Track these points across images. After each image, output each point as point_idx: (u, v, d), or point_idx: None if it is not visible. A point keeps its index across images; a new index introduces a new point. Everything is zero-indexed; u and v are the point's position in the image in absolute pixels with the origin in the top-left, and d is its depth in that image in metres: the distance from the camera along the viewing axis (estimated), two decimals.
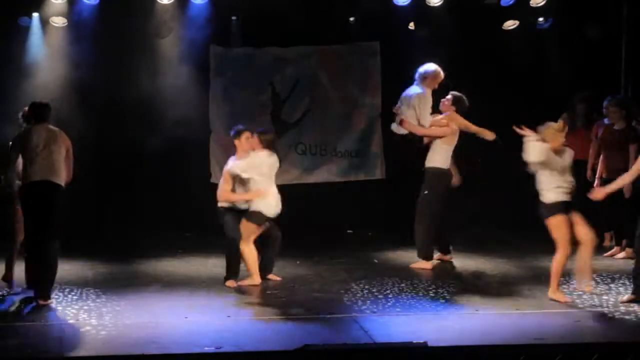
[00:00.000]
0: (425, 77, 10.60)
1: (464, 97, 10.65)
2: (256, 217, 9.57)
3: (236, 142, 9.81)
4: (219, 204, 9.80)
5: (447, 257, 10.85)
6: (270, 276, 9.85)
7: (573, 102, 12.24)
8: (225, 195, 9.74)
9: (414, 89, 10.61)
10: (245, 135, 9.77)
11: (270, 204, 9.61)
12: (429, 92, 10.63)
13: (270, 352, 7.22)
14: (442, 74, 10.66)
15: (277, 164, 9.76)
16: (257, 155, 9.61)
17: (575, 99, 12.22)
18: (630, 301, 8.77)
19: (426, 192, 10.53)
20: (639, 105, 11.54)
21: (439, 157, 10.56)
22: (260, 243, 9.75)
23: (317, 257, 11.13)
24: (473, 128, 10.58)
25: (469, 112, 10.71)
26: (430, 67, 10.63)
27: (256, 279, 9.57)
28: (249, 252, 9.55)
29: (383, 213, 12.87)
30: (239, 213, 9.68)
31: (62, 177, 8.89)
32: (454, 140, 10.61)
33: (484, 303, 8.85)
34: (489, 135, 10.54)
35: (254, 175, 9.57)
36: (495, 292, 9.30)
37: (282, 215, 12.66)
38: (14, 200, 9.08)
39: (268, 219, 9.64)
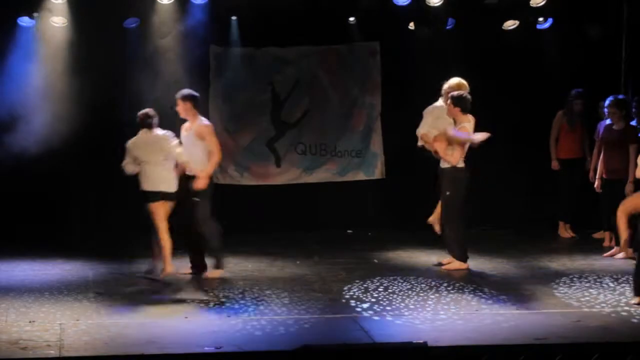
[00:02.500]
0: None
1: (464, 95, 10.32)
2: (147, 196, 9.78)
3: None
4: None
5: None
6: (208, 274, 10.00)
7: (568, 100, 12.25)
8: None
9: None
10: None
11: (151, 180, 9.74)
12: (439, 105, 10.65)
13: (270, 352, 7.22)
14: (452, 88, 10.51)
15: (159, 143, 9.84)
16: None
17: (571, 96, 12.22)
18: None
19: (448, 193, 10.35)
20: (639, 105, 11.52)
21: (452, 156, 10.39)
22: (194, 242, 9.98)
23: (317, 257, 11.13)
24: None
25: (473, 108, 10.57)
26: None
27: (168, 268, 9.74)
28: (165, 239, 9.80)
29: (383, 213, 12.86)
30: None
31: None
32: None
33: (484, 303, 8.86)
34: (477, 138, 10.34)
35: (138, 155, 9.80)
36: (495, 292, 9.30)
37: (280, 214, 12.74)
38: None
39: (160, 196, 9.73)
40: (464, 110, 10.21)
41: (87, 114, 12.04)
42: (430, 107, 10.70)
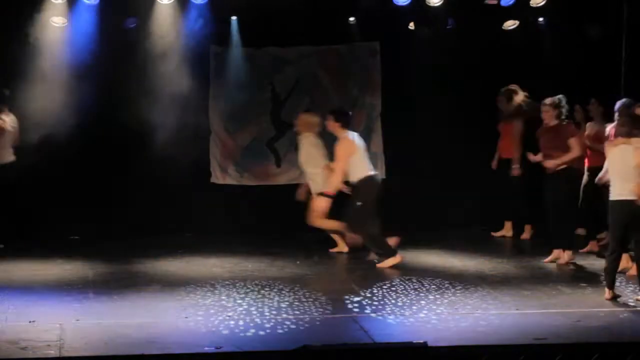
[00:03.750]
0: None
1: (346, 111, 11.00)
2: None
3: None
4: None
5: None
6: None
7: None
8: None
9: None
10: None
11: None
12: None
13: (270, 352, 7.22)
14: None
15: None
16: None
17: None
18: None
19: (359, 203, 10.62)
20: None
21: (357, 168, 10.67)
22: None
23: (317, 257, 11.13)
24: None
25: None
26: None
27: None
28: None
29: (383, 213, 12.84)
30: None
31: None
32: (357, 147, 10.74)
33: (484, 303, 8.86)
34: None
35: None
36: (496, 292, 9.30)
37: (280, 214, 12.73)
38: None
39: None
40: (344, 126, 10.74)
41: (88, 114, 12.04)
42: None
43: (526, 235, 12.26)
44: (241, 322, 8.08)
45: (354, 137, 10.80)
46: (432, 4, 12.38)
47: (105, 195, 12.18)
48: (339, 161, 10.64)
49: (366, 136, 13.35)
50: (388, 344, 7.37)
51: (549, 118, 10.73)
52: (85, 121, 12.06)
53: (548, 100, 10.73)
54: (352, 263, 10.85)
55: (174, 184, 12.38)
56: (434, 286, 9.55)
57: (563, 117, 10.69)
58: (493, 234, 12.40)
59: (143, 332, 7.73)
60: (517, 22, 12.92)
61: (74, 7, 11.97)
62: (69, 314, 8.29)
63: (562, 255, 10.66)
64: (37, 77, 12.00)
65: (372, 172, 10.74)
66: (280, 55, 13.19)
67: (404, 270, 10.45)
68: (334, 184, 10.72)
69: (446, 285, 9.63)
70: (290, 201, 12.91)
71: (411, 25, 12.93)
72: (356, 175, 10.64)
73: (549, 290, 9.45)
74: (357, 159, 10.68)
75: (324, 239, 12.05)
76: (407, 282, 9.75)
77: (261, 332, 7.80)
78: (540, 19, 13.00)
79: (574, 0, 12.68)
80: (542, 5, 12.59)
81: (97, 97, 12.11)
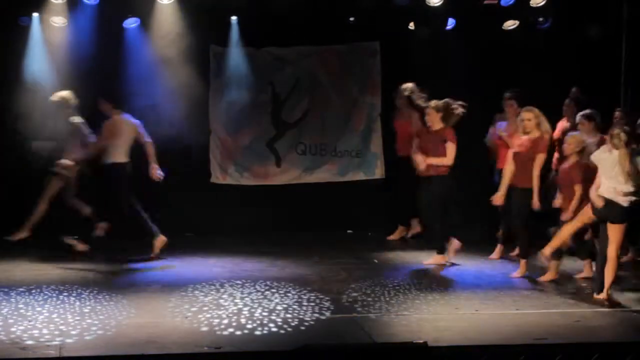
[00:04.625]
0: None
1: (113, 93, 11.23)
2: None
3: None
4: None
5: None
6: None
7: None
8: None
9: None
10: None
11: None
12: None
13: (270, 352, 7.23)
14: None
15: None
16: None
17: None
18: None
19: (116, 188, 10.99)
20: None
21: (117, 151, 10.93)
22: None
23: (317, 257, 11.13)
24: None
25: None
26: None
27: None
28: None
29: (383, 213, 12.86)
30: None
31: None
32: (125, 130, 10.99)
33: (484, 303, 8.86)
34: None
35: None
36: (496, 292, 9.31)
37: (280, 214, 12.74)
38: None
39: None
40: (117, 107, 11.06)
41: (87, 113, 12.03)
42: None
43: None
44: (241, 322, 8.08)
45: (127, 119, 11.05)
46: (432, 4, 12.39)
47: (105, 195, 12.17)
48: (103, 138, 10.93)
49: (366, 136, 13.41)
50: (388, 344, 7.38)
51: (432, 121, 10.77)
52: (84, 120, 12.04)
53: (432, 103, 10.77)
54: (352, 263, 10.84)
55: (174, 184, 12.36)
56: (434, 286, 9.55)
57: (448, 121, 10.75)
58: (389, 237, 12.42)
59: (143, 332, 7.74)
60: (517, 22, 12.92)
61: (74, 7, 11.98)
62: (69, 314, 8.29)
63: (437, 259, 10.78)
64: (36, 77, 12.02)
65: (126, 160, 11.01)
66: (280, 55, 13.19)
67: (404, 270, 10.46)
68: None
69: (446, 285, 9.63)
70: (290, 201, 12.95)
71: (411, 25, 12.94)
72: (112, 158, 10.93)
73: (549, 290, 9.45)
74: (122, 142, 10.95)
75: (323, 239, 12.09)
76: (407, 281, 9.75)
77: (261, 332, 7.80)
78: (540, 19, 13.00)
79: (574, 0, 12.68)
80: (542, 5, 12.60)
81: (96, 97, 12.10)
